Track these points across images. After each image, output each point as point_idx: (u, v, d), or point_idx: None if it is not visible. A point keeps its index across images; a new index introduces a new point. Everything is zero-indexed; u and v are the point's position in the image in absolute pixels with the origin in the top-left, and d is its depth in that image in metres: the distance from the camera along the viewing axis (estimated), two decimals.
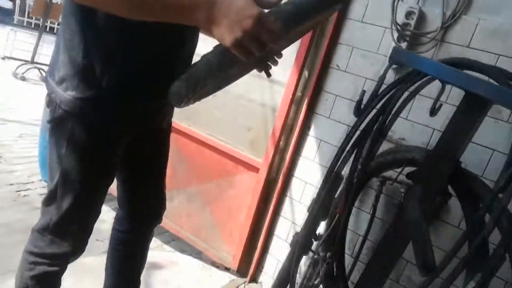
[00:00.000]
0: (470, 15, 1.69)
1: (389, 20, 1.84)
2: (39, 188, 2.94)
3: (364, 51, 1.94)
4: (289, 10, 0.82)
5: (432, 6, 1.76)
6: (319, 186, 2.08)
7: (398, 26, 1.79)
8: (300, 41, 2.00)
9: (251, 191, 2.22)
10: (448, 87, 1.28)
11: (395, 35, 1.80)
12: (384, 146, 1.69)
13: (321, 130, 2.08)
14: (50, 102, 1.06)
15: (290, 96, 2.07)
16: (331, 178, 1.25)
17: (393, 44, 1.82)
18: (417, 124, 1.81)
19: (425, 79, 1.17)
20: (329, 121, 2.05)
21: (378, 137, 1.16)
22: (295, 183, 2.17)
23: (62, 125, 1.05)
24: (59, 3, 8.64)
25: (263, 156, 2.18)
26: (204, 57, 0.90)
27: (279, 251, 2.23)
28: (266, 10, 0.84)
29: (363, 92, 1.21)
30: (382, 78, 1.18)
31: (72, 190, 1.08)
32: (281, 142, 2.14)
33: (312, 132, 2.11)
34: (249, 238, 2.24)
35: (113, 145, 1.11)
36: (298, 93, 2.09)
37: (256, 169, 2.20)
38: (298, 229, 2.17)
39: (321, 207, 1.48)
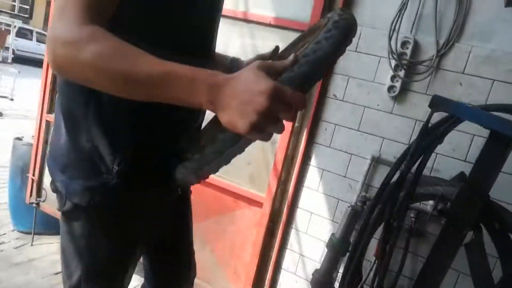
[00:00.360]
0: (463, 42, 1.76)
1: (383, 49, 1.87)
2: (13, 240, 2.69)
3: (360, 80, 1.96)
4: (305, 72, 0.69)
5: (425, 35, 1.81)
6: (324, 216, 2.10)
7: (394, 56, 1.83)
8: None
9: (254, 226, 2.16)
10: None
11: (393, 63, 1.84)
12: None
13: (323, 159, 2.07)
14: (56, 191, 0.95)
15: (290, 128, 2.04)
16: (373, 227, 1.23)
17: (391, 73, 1.85)
18: None
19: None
20: (330, 150, 2.05)
21: (417, 179, 1.17)
22: (300, 214, 2.14)
23: (75, 218, 0.94)
24: (3, 29, 8.06)
25: (264, 189, 2.13)
26: (214, 144, 0.77)
27: (288, 285, 2.18)
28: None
29: (416, 142, 1.22)
30: (426, 125, 1.19)
31: (98, 284, 1.00)
32: (282, 174, 2.11)
33: (313, 161, 2.09)
34: (256, 274, 2.17)
35: (134, 227, 1.00)
36: (297, 124, 2.07)
37: (259, 204, 2.14)
38: (306, 260, 2.15)
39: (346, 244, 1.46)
